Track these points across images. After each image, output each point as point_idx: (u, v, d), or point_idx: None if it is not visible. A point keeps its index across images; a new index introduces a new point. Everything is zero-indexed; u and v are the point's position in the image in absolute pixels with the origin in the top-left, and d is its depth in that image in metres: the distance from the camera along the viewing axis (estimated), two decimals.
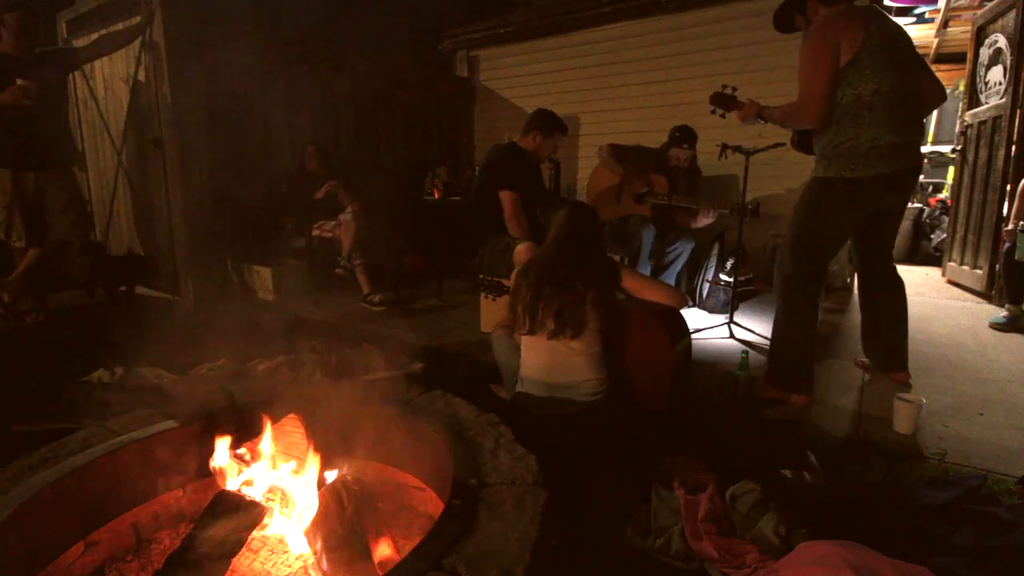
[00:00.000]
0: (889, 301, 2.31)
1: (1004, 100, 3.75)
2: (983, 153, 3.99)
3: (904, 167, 2.02)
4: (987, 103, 4.01)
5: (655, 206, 3.51)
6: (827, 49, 1.96)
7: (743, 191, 3.09)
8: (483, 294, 2.56)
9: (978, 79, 4.18)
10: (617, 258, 3.71)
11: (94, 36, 3.89)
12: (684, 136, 3.64)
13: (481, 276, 2.43)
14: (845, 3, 2.03)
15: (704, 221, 3.44)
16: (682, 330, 2.09)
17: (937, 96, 2.14)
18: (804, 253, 2.16)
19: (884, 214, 2.19)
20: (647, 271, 3.52)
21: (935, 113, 6.76)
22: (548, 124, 3.09)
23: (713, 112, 2.48)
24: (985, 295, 3.94)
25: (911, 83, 1.99)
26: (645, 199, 3.53)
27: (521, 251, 2.71)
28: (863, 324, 2.44)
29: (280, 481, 1.31)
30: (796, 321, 2.19)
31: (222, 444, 1.33)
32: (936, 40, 5.83)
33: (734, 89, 2.43)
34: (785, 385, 2.21)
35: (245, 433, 1.37)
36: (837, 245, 2.27)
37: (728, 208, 3.18)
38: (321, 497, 1.26)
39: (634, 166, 3.58)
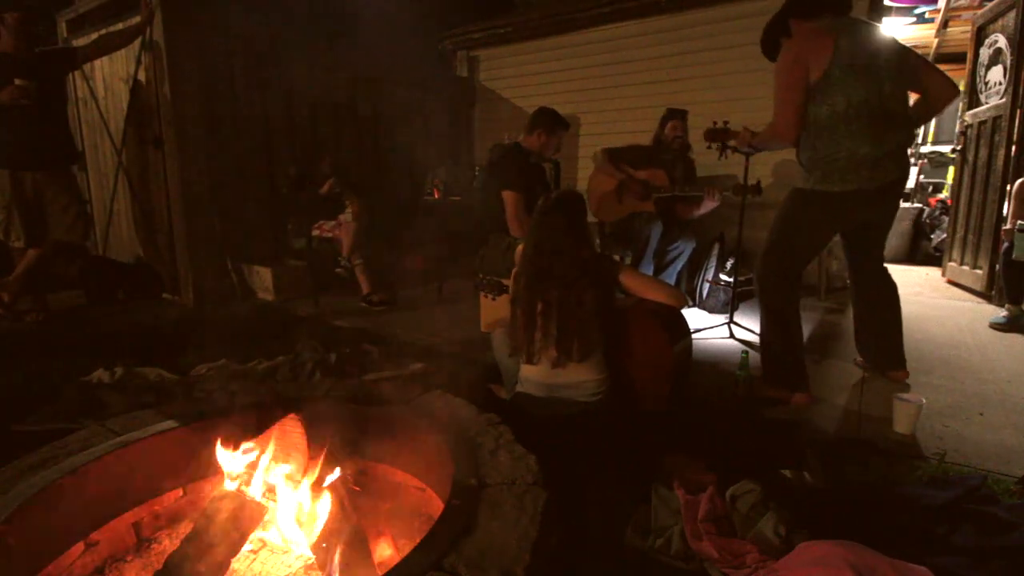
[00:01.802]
0: (883, 302, 2.31)
1: (1004, 100, 3.75)
2: (983, 153, 3.99)
3: (884, 181, 2.01)
4: (987, 103, 4.01)
5: (659, 200, 3.50)
6: (795, 68, 1.98)
7: (743, 191, 3.09)
8: (482, 293, 2.57)
9: (978, 79, 4.18)
10: (618, 258, 3.71)
11: (94, 36, 3.89)
12: (672, 112, 3.70)
13: (480, 275, 2.43)
14: (827, 16, 2.02)
15: (709, 206, 3.42)
16: (682, 330, 2.09)
17: (947, 92, 2.11)
18: (778, 260, 2.19)
19: (869, 224, 2.21)
20: (650, 270, 3.52)
21: None
22: (552, 122, 3.11)
23: (709, 148, 2.54)
24: (985, 295, 3.94)
25: (891, 90, 1.97)
26: (649, 195, 3.52)
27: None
28: (856, 325, 2.44)
29: (280, 481, 1.31)
30: (778, 322, 2.21)
31: (222, 444, 1.33)
32: (936, 40, 5.83)
33: (725, 122, 2.51)
34: (781, 384, 2.22)
35: (245, 433, 1.37)
36: (811, 255, 2.29)
37: (731, 190, 3.18)
38: (321, 497, 1.26)
39: (631, 165, 3.59)
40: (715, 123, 2.53)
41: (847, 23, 2.02)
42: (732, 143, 2.51)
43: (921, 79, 2.07)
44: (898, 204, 2.26)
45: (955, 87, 2.11)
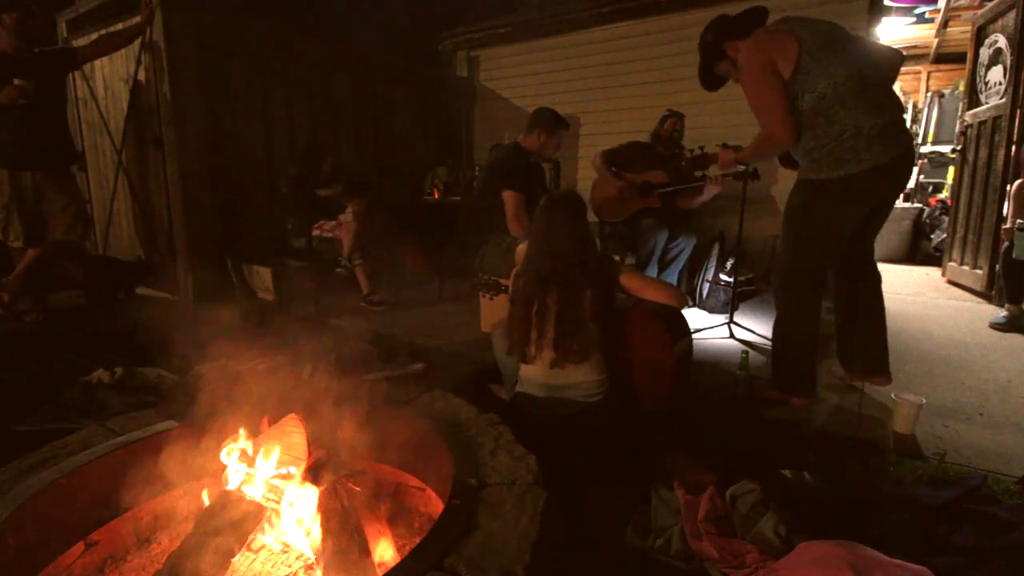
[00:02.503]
0: (868, 296, 2.20)
1: (1004, 100, 3.75)
2: (983, 153, 3.99)
3: (895, 153, 1.94)
4: (987, 103, 4.01)
5: (662, 194, 3.50)
6: (765, 70, 1.93)
7: (743, 190, 3.09)
8: (481, 293, 2.57)
9: (978, 79, 4.18)
10: (618, 258, 3.71)
11: (94, 36, 3.89)
12: (673, 112, 3.75)
13: (479, 275, 2.42)
14: (759, 28, 2.02)
15: (712, 191, 3.37)
16: (683, 330, 2.08)
17: (895, 59, 2.11)
18: (805, 258, 2.09)
19: (877, 206, 2.10)
20: (655, 272, 3.52)
21: (935, 113, 6.76)
22: (551, 122, 3.11)
23: (694, 175, 2.51)
24: (985, 295, 3.94)
25: (863, 66, 1.94)
26: (651, 192, 3.50)
27: (522, 251, 2.71)
28: (838, 326, 2.30)
29: (280, 481, 1.31)
30: (798, 325, 2.14)
31: (223, 444, 1.33)
32: (936, 40, 5.83)
33: (702, 148, 2.50)
34: (789, 388, 2.19)
35: (245, 433, 1.37)
36: (836, 249, 2.16)
37: (731, 175, 3.14)
38: (321, 497, 1.26)
39: (628, 165, 3.59)
40: (691, 152, 2.50)
41: (789, 20, 2.00)
42: (715, 169, 2.45)
43: (874, 49, 2.06)
44: (907, 181, 2.19)
45: (899, 51, 2.14)
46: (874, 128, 1.90)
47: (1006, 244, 3.27)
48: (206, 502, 1.22)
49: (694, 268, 3.79)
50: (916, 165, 6.67)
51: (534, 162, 3.21)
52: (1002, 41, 3.83)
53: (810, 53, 1.90)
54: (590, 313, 1.81)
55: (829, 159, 1.96)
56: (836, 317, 2.30)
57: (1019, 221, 3.18)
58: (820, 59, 1.90)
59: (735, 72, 2.12)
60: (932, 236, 5.80)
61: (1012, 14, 3.69)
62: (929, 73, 7.17)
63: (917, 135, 6.94)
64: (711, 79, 2.25)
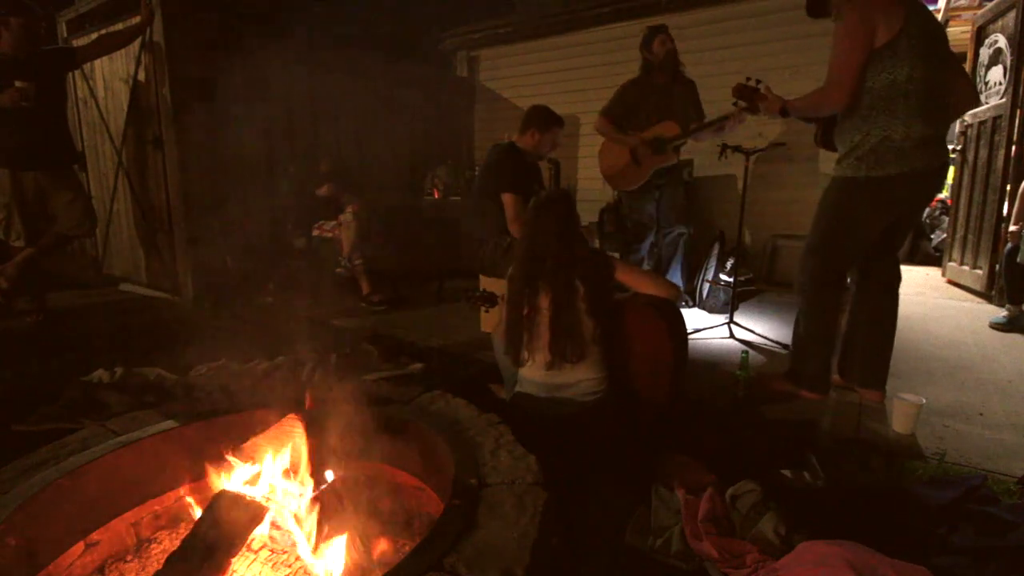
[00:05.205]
0: (884, 311, 2.19)
1: (1004, 100, 3.75)
2: (983, 153, 3.99)
3: (933, 163, 1.93)
4: (987, 103, 4.01)
5: (678, 148, 3.38)
6: (863, 27, 1.87)
7: (743, 191, 3.10)
8: (475, 306, 2.55)
9: (978, 79, 4.18)
10: (617, 255, 3.70)
11: (94, 36, 3.89)
12: (654, 29, 3.58)
13: (470, 292, 2.41)
14: None
15: (734, 126, 3.12)
16: (678, 320, 2.07)
17: (970, 100, 2.09)
18: (833, 255, 2.10)
19: (906, 212, 2.08)
20: (677, 276, 3.52)
21: None
22: (544, 120, 3.07)
23: (735, 104, 2.39)
24: (985, 295, 3.94)
25: (943, 77, 1.92)
26: (665, 147, 3.34)
27: None
28: (847, 330, 2.29)
29: (280, 481, 1.31)
30: (816, 321, 2.15)
31: (222, 444, 1.33)
32: None
33: (758, 81, 2.34)
34: (802, 382, 2.20)
35: (245, 433, 1.37)
36: (861, 249, 2.14)
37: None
38: (321, 497, 1.26)
39: (633, 115, 3.46)
40: (748, 79, 2.38)
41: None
42: (760, 104, 2.34)
43: (954, 78, 2.00)
44: (937, 193, 2.16)
45: (978, 98, 2.07)
46: (922, 136, 1.89)
47: (1009, 247, 3.26)
48: (207, 502, 1.21)
49: (694, 268, 3.78)
50: None
51: (531, 162, 3.20)
52: (1002, 41, 3.84)
53: (909, 36, 1.85)
54: (586, 311, 1.81)
55: (871, 157, 1.94)
56: (848, 321, 2.28)
57: None
58: (914, 45, 1.85)
59: (840, 9, 1.99)
60: (932, 236, 5.80)
61: (1012, 14, 3.69)
62: None
63: None
64: (816, 6, 2.12)
